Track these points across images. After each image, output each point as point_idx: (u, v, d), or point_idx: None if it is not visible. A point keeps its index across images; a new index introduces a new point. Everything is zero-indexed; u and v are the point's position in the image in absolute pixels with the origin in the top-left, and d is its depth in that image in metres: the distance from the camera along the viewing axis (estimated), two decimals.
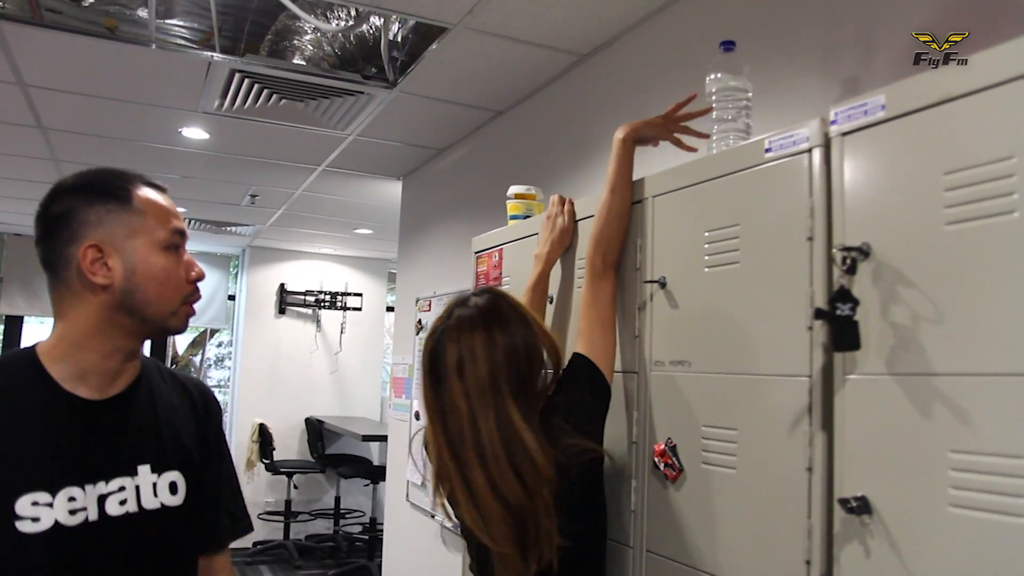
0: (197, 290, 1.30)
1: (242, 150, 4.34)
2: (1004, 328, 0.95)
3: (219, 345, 10.90)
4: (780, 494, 1.25)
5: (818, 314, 1.13)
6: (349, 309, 7.87)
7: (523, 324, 1.51)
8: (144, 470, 1.25)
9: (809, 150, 1.24)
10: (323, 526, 7.50)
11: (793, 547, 1.20)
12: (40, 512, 1.13)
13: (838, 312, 1.09)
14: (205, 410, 1.43)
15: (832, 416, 1.16)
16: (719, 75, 1.70)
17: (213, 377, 10.39)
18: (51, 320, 1.24)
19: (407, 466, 4.23)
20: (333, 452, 7.33)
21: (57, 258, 1.20)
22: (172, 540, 1.29)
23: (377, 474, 6.65)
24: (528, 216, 2.32)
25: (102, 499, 1.19)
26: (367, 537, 6.87)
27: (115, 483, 1.21)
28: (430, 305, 4.17)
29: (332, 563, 6.76)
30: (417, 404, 4.20)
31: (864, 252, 1.11)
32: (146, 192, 1.25)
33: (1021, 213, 0.94)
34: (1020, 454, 0.91)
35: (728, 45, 1.72)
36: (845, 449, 1.13)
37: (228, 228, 6.74)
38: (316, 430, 7.21)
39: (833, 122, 1.19)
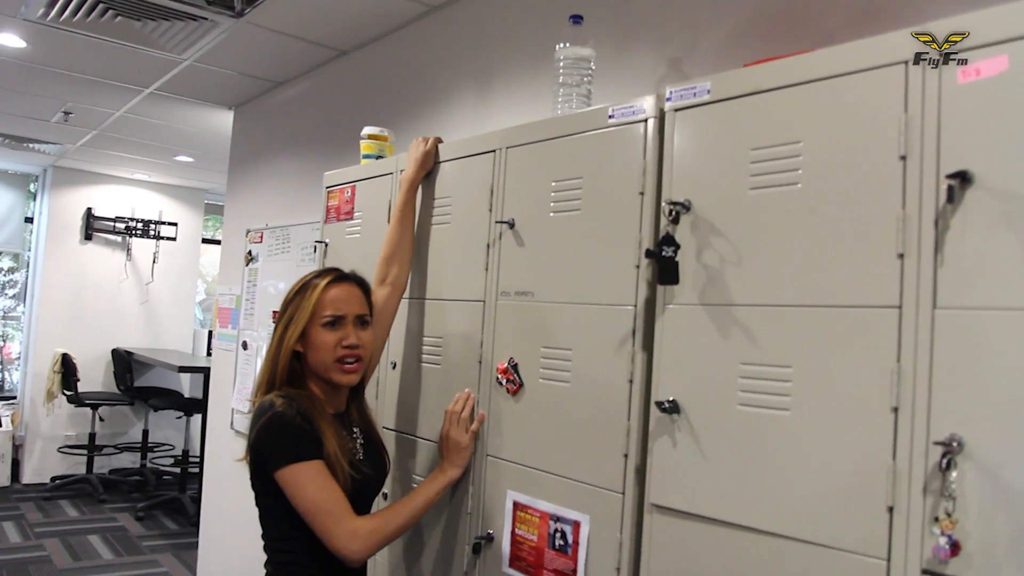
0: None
1: (62, 63, 4.11)
2: (785, 271, 1.25)
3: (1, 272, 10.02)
4: (605, 402, 1.52)
5: (648, 254, 1.40)
6: (162, 239, 7.57)
7: None
8: None
9: (646, 120, 1.49)
10: (129, 460, 7.29)
11: (614, 444, 1.48)
12: None
13: (663, 254, 1.35)
14: None
15: (652, 338, 1.44)
16: (567, 45, 1.92)
17: None
18: None
19: (232, 395, 4.28)
20: (142, 384, 7.11)
21: None
22: None
23: (190, 406, 6.54)
24: (380, 156, 2.45)
25: None
26: (178, 470, 6.76)
27: None
28: (262, 236, 4.19)
29: (141, 496, 6.62)
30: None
31: (686, 207, 1.38)
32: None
33: (803, 184, 1.23)
34: (788, 364, 1.22)
35: (577, 19, 1.94)
36: (662, 363, 1.41)
37: (30, 145, 6.27)
38: (124, 362, 6.94)
39: (668, 99, 1.44)
